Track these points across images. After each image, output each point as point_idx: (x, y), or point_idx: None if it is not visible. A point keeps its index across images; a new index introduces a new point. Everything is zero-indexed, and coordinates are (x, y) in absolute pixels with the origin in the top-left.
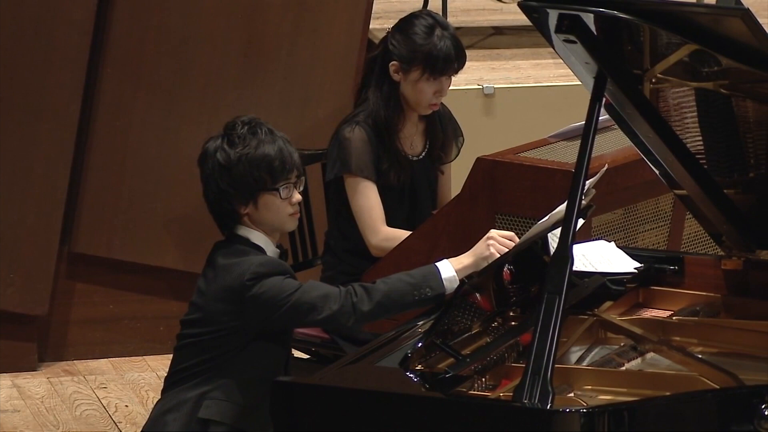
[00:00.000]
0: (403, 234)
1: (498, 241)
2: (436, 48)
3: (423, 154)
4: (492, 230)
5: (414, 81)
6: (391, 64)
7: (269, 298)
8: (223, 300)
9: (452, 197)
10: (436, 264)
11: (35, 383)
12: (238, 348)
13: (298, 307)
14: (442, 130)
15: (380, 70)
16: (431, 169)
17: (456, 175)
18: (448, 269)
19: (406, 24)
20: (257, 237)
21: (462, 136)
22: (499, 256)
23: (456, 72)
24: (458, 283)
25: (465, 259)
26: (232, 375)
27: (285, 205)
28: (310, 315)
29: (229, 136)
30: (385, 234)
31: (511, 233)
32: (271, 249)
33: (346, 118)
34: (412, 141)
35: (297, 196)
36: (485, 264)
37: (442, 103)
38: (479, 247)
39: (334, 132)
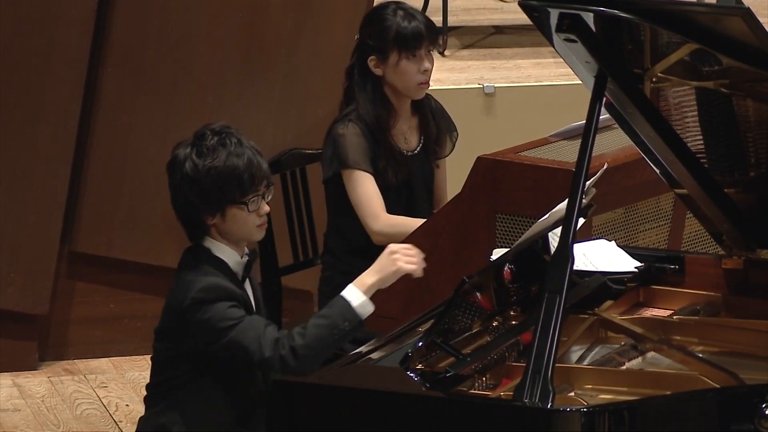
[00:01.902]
0: (405, 220)
1: (403, 253)
2: (401, 26)
3: (418, 148)
4: (391, 244)
5: (394, 66)
6: (369, 60)
7: (207, 328)
8: (172, 319)
9: (448, 192)
10: (343, 295)
11: (36, 382)
12: (196, 371)
13: (231, 347)
14: (435, 124)
15: (360, 73)
16: (427, 163)
17: (456, 175)
18: (357, 296)
19: (372, 16)
20: (220, 249)
21: (456, 130)
22: (408, 267)
23: (431, 44)
24: (372, 305)
25: (369, 279)
26: (194, 401)
27: (253, 217)
28: (243, 356)
29: (198, 146)
30: (387, 220)
31: (410, 245)
32: (234, 260)
33: (338, 118)
34: (406, 136)
35: (265, 208)
36: (394, 279)
37: (433, 98)
38: (384, 264)
39: (327, 132)
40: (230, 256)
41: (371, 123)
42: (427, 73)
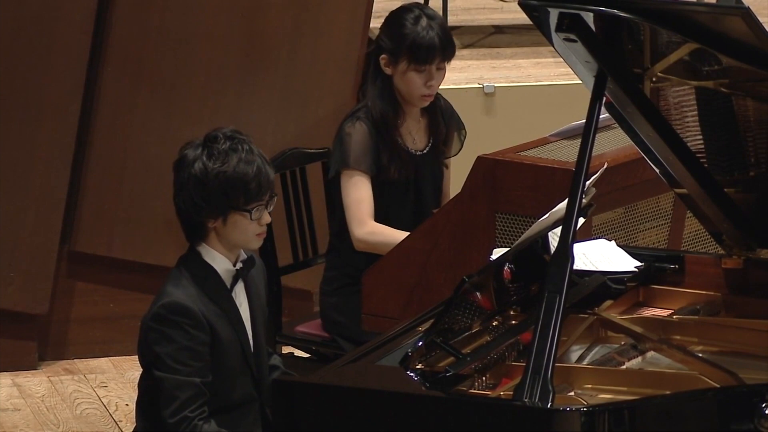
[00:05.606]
0: (390, 231)
1: None
2: (419, 36)
3: (427, 149)
4: None
5: (402, 72)
6: (381, 57)
7: (154, 352)
8: (141, 326)
9: (451, 192)
10: None
11: (35, 382)
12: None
13: (158, 382)
14: (445, 125)
15: (374, 65)
16: (436, 164)
17: (456, 174)
18: None
19: (394, 17)
20: (211, 255)
21: (464, 128)
22: None
23: (444, 61)
24: None
25: None
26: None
27: (254, 225)
28: (159, 399)
29: (209, 148)
30: (371, 228)
31: None
32: (225, 268)
33: (348, 114)
34: (414, 136)
35: (266, 218)
36: None
37: (443, 98)
38: None
39: (337, 130)
40: (221, 263)
41: (377, 118)
42: (433, 87)
